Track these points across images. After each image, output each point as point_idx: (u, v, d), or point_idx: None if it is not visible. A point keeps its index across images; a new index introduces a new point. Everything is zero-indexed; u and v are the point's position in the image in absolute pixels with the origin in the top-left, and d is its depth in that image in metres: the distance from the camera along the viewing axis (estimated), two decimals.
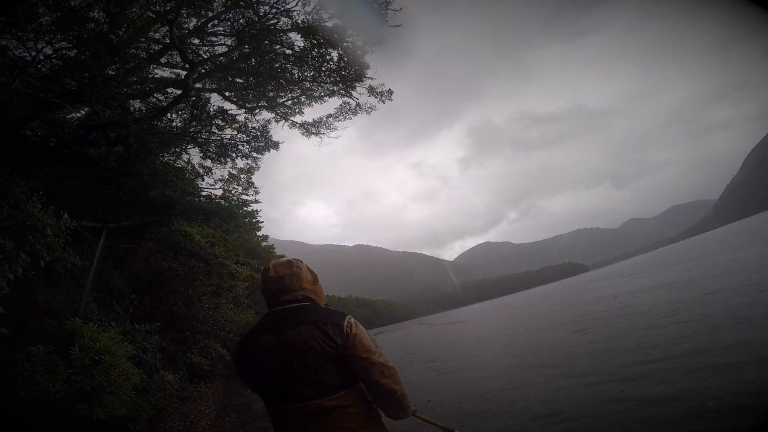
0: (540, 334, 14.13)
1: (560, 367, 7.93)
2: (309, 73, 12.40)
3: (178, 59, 11.22)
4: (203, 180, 14.37)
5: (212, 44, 11.74)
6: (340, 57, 11.93)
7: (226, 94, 12.70)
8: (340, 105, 13.13)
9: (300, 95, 13.04)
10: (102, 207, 9.27)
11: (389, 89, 12.51)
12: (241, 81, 12.49)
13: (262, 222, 32.84)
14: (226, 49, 11.55)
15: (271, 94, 13.02)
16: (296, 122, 13.60)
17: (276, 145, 13.46)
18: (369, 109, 12.95)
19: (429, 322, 57.98)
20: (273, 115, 13.39)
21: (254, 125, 13.30)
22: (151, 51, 10.60)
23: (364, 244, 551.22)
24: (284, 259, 1.83)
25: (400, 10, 10.72)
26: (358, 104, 12.86)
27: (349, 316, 1.66)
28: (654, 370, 6.15)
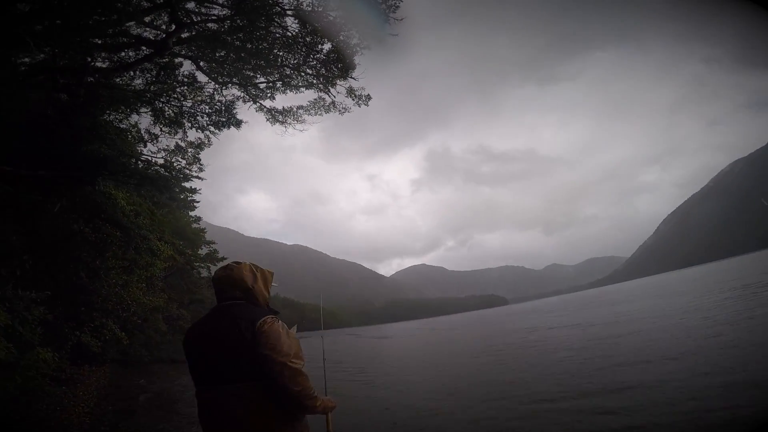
0: (457, 359, 14.48)
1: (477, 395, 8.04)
2: (293, 60, 12.05)
3: (164, 20, 10.43)
4: (146, 146, 13.37)
5: (208, 9, 10.87)
6: (331, 51, 11.68)
7: (201, 63, 11.93)
8: (315, 99, 12.87)
9: (277, 80, 12.58)
10: (23, 152, 7.95)
11: (368, 94, 12.44)
12: (221, 54, 11.75)
13: (198, 202, 30.56)
14: (220, 18, 10.78)
15: (248, 73, 12.43)
16: (264, 106, 13.05)
17: (238, 124, 12.84)
18: (343, 110, 12.84)
19: (357, 333, 57.45)
20: (242, 94, 12.78)
21: (220, 99, 12.60)
22: (141, 6, 9.58)
23: (304, 245, 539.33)
24: (230, 262, 2.12)
25: (402, 19, 10.71)
26: (333, 102, 12.71)
27: (269, 317, 1.87)
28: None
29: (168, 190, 14.62)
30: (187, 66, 11.87)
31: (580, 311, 30.80)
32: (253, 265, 2.14)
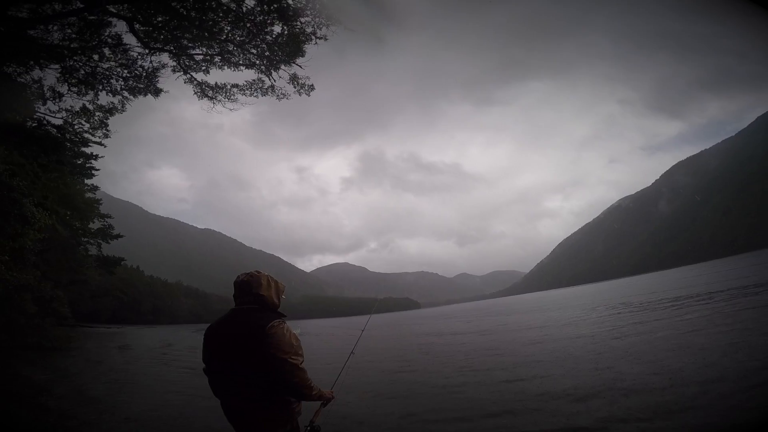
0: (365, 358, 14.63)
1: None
2: (240, 37, 11.41)
3: None
4: (45, 104, 11.95)
5: None
6: (282, 34, 11.18)
7: (136, 26, 10.73)
8: (254, 80, 12.30)
9: (217, 54, 11.76)
10: None
11: (312, 84, 12.17)
12: (161, 18, 10.69)
13: (97, 170, 26.66)
14: None
15: (186, 42, 11.45)
16: (195, 79, 12.18)
17: (157, 92, 12.02)
18: (282, 96, 12.46)
19: None
20: (174, 63, 11.84)
21: (146, 65, 11.56)
22: None
23: (217, 231, 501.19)
24: (250, 270, 2.63)
25: (361, 21, 10.70)
26: (272, 86, 12.27)
27: (276, 321, 2.40)
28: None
29: (56, 152, 13.18)
30: (120, 26, 10.83)
31: (482, 318, 33.23)
32: (270, 276, 2.65)
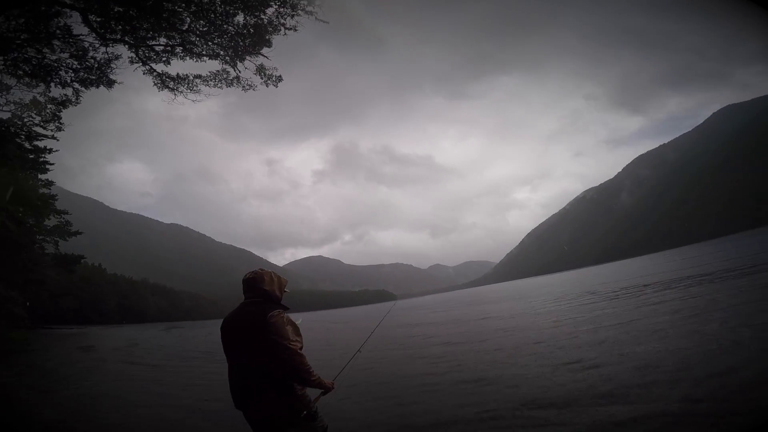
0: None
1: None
2: (202, 27, 10.95)
3: None
4: None
5: None
6: (246, 24, 10.84)
7: (91, 17, 10.14)
8: (218, 71, 11.88)
9: (178, 45, 11.26)
10: None
11: (280, 75, 11.81)
12: (119, 9, 10.13)
13: (51, 164, 25.02)
14: None
15: (143, 33, 10.92)
16: (155, 70, 11.66)
17: (110, 84, 11.39)
18: (248, 87, 12.14)
19: None
20: (132, 54, 11.25)
21: (98, 56, 10.92)
22: None
23: (184, 225, 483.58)
24: (256, 269, 3.00)
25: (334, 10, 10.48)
26: (238, 77, 11.90)
27: (276, 311, 2.73)
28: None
29: (1, 146, 12.42)
30: (74, 17, 10.29)
31: (455, 308, 33.82)
32: (273, 273, 3.01)
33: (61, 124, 13.00)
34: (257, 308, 2.78)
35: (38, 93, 11.68)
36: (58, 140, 14.19)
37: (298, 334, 2.82)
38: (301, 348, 2.76)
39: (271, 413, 2.69)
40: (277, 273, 3.02)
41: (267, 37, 11.23)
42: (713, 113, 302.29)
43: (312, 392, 2.88)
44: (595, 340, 8.88)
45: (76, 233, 29.09)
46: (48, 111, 12.47)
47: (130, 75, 11.70)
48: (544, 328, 12.21)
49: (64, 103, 12.05)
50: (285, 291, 3.03)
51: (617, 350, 7.46)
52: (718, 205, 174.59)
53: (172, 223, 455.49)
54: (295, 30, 11.09)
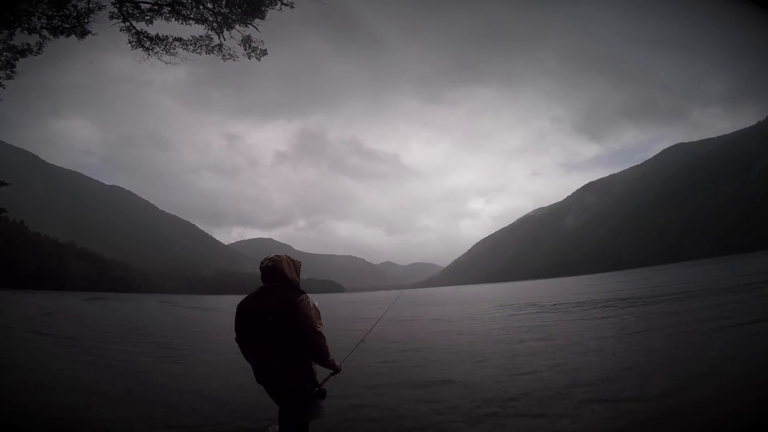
0: None
1: None
2: None
3: None
4: None
5: None
6: None
7: None
8: (201, 36, 11.04)
9: (167, 5, 10.48)
10: None
11: (265, 49, 11.23)
12: None
13: None
14: None
15: None
16: (134, 27, 10.64)
17: (83, 34, 10.23)
18: (228, 57, 11.36)
19: (174, 301, 51.07)
20: (114, 9, 10.23)
21: (80, 5, 9.92)
22: None
23: (126, 189, 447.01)
24: (272, 255, 3.29)
25: None
26: (221, 45, 11.11)
27: (303, 295, 3.09)
28: None
29: None
30: None
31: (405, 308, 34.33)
32: (288, 258, 3.31)
33: (13, 72, 11.56)
34: (283, 292, 3.11)
35: None
36: (4, 88, 12.57)
37: (320, 317, 3.16)
38: (321, 328, 3.12)
39: (291, 388, 3.07)
40: (291, 257, 3.34)
41: (263, 8, 10.69)
42: (663, 150, 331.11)
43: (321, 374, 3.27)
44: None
45: (1, 183, 25.82)
46: (3, 58, 11.04)
47: (101, 30, 10.60)
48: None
49: (23, 51, 10.73)
50: (300, 274, 3.38)
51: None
52: (648, 238, 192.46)
53: (113, 185, 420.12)
54: (292, 6, 10.61)
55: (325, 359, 3.13)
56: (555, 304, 22.36)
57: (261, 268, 3.24)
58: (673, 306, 15.43)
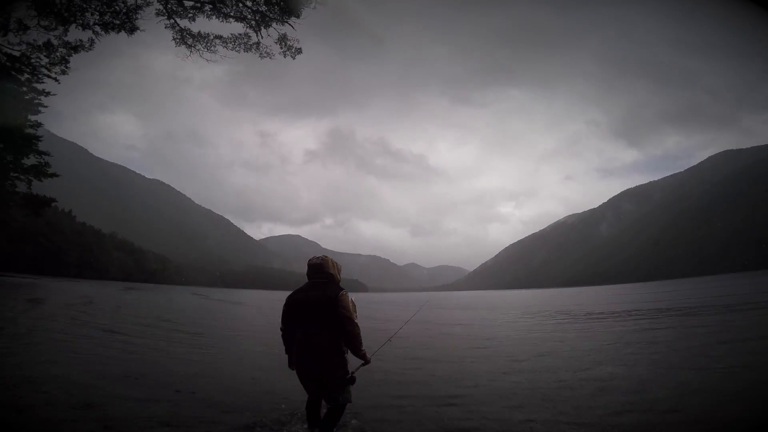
0: None
1: None
2: None
3: None
4: (5, 35, 10.88)
5: None
6: None
7: None
8: (240, 34, 11.49)
9: (208, 3, 10.93)
10: None
11: (300, 48, 11.57)
12: None
13: (45, 107, 24.00)
14: None
15: None
16: (178, 24, 11.19)
17: (132, 30, 10.83)
18: (265, 55, 11.74)
19: (205, 294, 53.20)
20: (161, 6, 10.79)
21: (129, 2, 10.47)
22: None
23: (166, 183, 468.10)
24: (320, 255, 3.81)
25: None
26: (258, 43, 11.51)
27: (342, 291, 3.59)
28: None
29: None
30: None
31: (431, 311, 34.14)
32: (332, 259, 3.84)
33: (67, 68, 12.46)
34: (326, 288, 3.64)
35: (55, 35, 11.04)
36: (59, 83, 13.63)
37: (356, 311, 3.68)
38: (357, 319, 3.64)
39: (327, 372, 3.52)
40: (334, 258, 3.89)
41: (300, 6, 11.06)
42: (709, 156, 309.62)
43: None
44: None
45: (53, 175, 27.80)
46: (58, 54, 12.01)
47: (149, 28, 11.33)
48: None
49: (76, 48, 11.48)
50: (341, 273, 3.92)
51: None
52: (688, 248, 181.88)
53: (154, 179, 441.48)
54: (326, 4, 10.90)
55: (358, 348, 3.66)
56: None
57: (309, 264, 3.79)
58: None
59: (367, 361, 3.77)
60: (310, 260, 3.81)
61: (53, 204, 36.20)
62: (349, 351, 3.68)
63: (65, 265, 65.22)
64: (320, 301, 3.53)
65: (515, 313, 26.30)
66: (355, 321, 3.58)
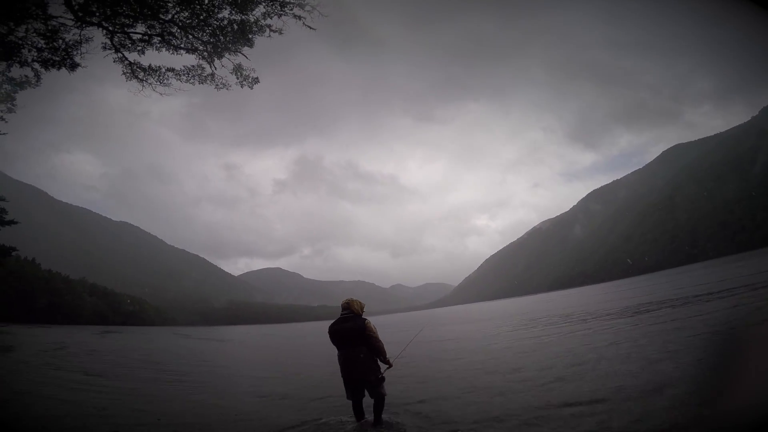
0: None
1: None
2: (186, 19, 10.52)
3: None
4: None
5: None
6: (231, 21, 10.51)
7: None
8: (193, 66, 11.39)
9: (156, 35, 10.72)
10: None
11: (257, 77, 11.55)
12: None
13: None
14: None
15: (124, 20, 10.30)
16: (126, 59, 10.97)
17: (73, 67, 10.53)
18: (221, 86, 11.64)
19: (186, 333, 50.89)
20: (106, 40, 10.50)
21: (69, 38, 10.12)
22: None
23: (134, 225, 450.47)
24: (348, 298, 5.92)
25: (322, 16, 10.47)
26: (213, 74, 11.43)
27: (366, 320, 5.72)
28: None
29: None
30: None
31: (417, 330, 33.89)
32: (356, 300, 5.86)
33: (13, 105, 11.90)
34: (356, 319, 5.63)
35: None
36: (6, 122, 12.94)
37: (377, 331, 5.63)
38: (379, 336, 5.64)
39: (365, 374, 5.43)
40: (358, 300, 5.89)
41: (250, 36, 10.98)
42: (662, 152, 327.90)
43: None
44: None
45: (11, 222, 26.50)
46: (2, 91, 11.43)
47: (96, 62, 10.98)
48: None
49: (21, 84, 11.07)
50: (364, 309, 5.86)
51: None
52: (659, 241, 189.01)
53: (121, 221, 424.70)
54: (281, 33, 10.84)
55: (384, 356, 5.64)
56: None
57: (342, 305, 5.80)
58: None
59: (390, 365, 5.68)
60: (342, 302, 5.83)
61: (14, 253, 34.22)
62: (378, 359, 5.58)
63: (34, 312, 61.13)
64: (354, 330, 5.51)
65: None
66: (380, 339, 5.61)
